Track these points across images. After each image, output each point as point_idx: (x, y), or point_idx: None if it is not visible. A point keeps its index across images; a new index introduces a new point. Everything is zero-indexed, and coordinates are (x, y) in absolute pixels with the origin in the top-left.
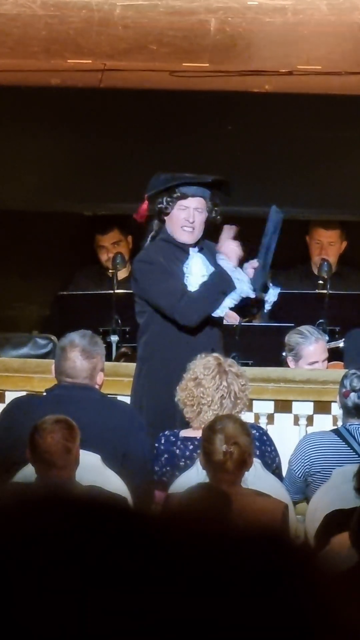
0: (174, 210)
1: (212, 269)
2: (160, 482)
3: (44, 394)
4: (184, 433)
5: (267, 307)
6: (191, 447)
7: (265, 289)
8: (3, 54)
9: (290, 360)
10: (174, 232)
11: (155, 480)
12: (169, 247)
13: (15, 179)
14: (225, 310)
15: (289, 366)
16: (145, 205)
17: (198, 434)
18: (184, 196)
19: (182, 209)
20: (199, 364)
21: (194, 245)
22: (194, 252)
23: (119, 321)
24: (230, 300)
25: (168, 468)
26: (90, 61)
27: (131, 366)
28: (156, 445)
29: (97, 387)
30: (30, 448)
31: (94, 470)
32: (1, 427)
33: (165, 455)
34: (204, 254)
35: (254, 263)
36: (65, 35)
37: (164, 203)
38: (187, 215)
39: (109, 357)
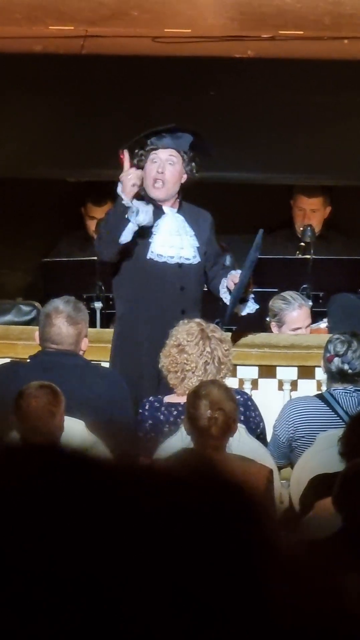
0: (147, 163)
1: (188, 231)
2: (145, 448)
3: (28, 360)
4: (168, 399)
5: (243, 313)
6: (175, 412)
7: (243, 301)
8: None
9: (273, 325)
10: (147, 188)
11: (139, 447)
12: (142, 206)
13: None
14: (130, 236)
15: (272, 332)
16: (123, 157)
17: (182, 399)
18: (155, 147)
19: (154, 162)
20: (181, 330)
21: (173, 205)
22: (171, 212)
23: (103, 287)
24: (132, 226)
25: (152, 434)
26: (72, 28)
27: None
28: (140, 411)
29: (81, 353)
30: (15, 413)
31: (78, 437)
32: None
33: (150, 421)
34: (184, 214)
35: (235, 277)
36: (47, 2)
37: (138, 156)
38: (156, 167)
39: (92, 324)
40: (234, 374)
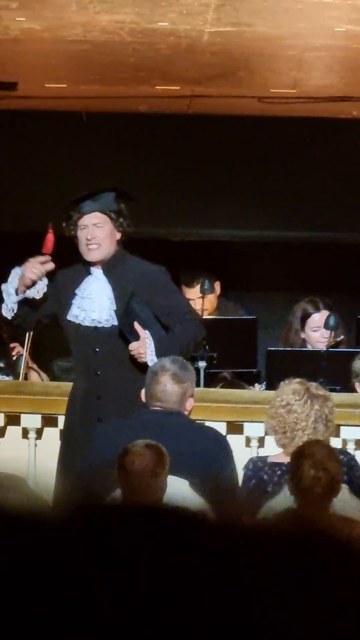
0: (77, 232)
1: (106, 293)
2: (248, 507)
3: (132, 418)
4: (272, 459)
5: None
6: (279, 472)
7: None
8: (92, 80)
9: (357, 386)
10: (83, 253)
11: (242, 506)
12: (77, 268)
13: None
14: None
15: (357, 392)
16: (49, 235)
17: (286, 459)
18: (80, 216)
19: (82, 229)
20: (286, 390)
21: (104, 266)
22: (95, 274)
23: (207, 347)
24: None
25: (255, 493)
26: (177, 87)
27: (221, 392)
28: (244, 470)
29: (186, 412)
30: (118, 470)
31: (181, 496)
32: (91, 451)
33: (253, 481)
34: (110, 274)
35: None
36: (153, 62)
37: (69, 229)
38: (85, 234)
39: (196, 383)
40: (337, 434)
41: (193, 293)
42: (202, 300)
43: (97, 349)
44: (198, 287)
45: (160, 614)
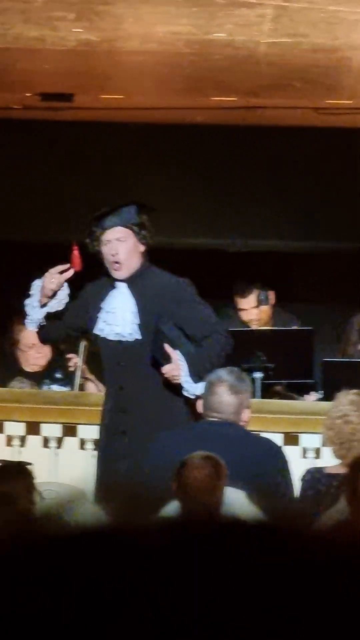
0: (102, 247)
1: (130, 307)
2: (304, 518)
3: (189, 428)
4: (329, 469)
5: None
6: (335, 483)
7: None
8: (147, 91)
9: None
10: (109, 270)
11: (298, 517)
12: (102, 282)
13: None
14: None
15: None
16: (75, 252)
17: (343, 470)
18: (102, 231)
19: (106, 244)
20: (343, 401)
21: (128, 280)
22: (119, 288)
23: (263, 358)
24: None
25: (312, 505)
26: (234, 99)
27: (277, 403)
28: (301, 481)
29: (242, 423)
30: (177, 481)
31: (238, 507)
32: (149, 461)
33: (310, 492)
34: (133, 288)
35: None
36: (209, 73)
37: (92, 245)
38: (109, 249)
39: (253, 394)
40: None
41: (246, 303)
42: (256, 310)
43: (122, 363)
44: (251, 297)
45: (224, 620)
